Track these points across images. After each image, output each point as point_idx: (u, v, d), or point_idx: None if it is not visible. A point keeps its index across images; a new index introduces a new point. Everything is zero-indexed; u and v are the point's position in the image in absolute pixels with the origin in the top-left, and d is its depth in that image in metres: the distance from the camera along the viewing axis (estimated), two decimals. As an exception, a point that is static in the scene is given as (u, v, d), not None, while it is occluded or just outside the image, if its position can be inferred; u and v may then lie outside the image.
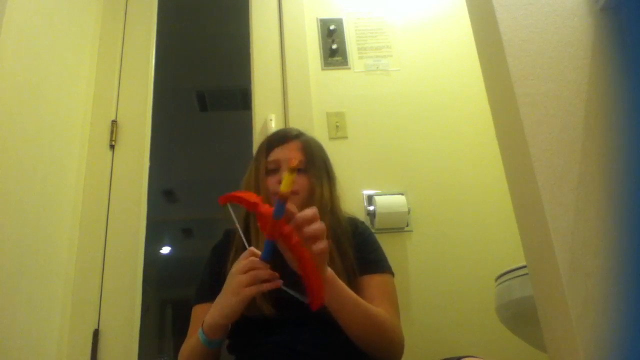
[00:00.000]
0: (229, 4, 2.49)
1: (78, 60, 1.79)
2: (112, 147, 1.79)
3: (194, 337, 0.94)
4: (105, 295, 1.61)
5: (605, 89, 0.93)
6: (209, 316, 0.89)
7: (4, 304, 1.26)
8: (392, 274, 1.09)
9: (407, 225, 1.70)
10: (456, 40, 1.97)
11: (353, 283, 1.01)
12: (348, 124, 1.83)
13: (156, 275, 3.61)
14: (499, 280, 1.35)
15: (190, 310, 1.09)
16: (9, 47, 1.34)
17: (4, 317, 1.26)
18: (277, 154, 1.12)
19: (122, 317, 1.59)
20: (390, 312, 0.99)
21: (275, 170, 1.11)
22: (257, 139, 1.79)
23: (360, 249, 1.08)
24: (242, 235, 0.88)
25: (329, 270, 0.87)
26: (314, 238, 0.75)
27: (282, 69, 1.92)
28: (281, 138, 1.16)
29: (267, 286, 0.80)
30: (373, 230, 1.41)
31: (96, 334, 1.55)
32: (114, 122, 1.82)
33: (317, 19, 2.00)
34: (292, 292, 0.81)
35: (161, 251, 4.44)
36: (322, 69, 1.92)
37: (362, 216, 1.65)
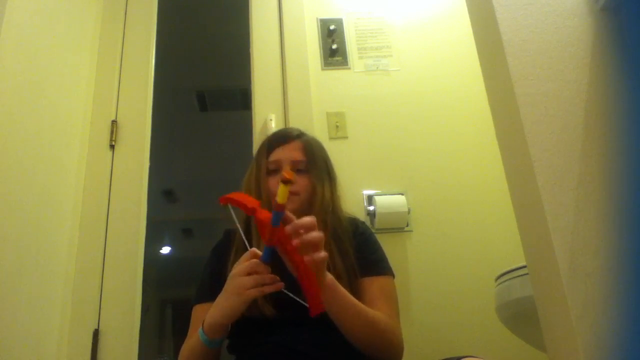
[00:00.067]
0: (229, 4, 2.49)
1: (78, 60, 1.79)
2: (112, 147, 1.79)
3: (194, 337, 0.94)
4: (105, 295, 1.61)
5: (605, 89, 0.93)
6: (209, 316, 0.89)
7: (4, 304, 1.26)
8: (393, 275, 1.09)
9: (407, 225, 1.70)
10: (456, 40, 1.97)
11: (354, 284, 1.01)
12: (348, 124, 1.83)
13: (156, 275, 3.60)
14: (499, 280, 1.35)
15: (190, 310, 1.09)
16: (9, 47, 1.34)
17: (4, 317, 1.26)
18: (278, 154, 1.12)
19: (122, 317, 1.59)
20: (391, 315, 1.00)
21: (276, 170, 1.11)
22: (257, 139, 1.79)
23: (361, 249, 1.08)
24: (243, 236, 0.88)
25: (329, 276, 0.87)
26: (311, 246, 0.76)
27: (282, 69, 1.92)
28: (282, 138, 1.16)
29: (269, 289, 0.80)
30: (373, 230, 1.41)
31: (96, 334, 1.55)
32: (114, 122, 1.82)
33: (317, 19, 2.00)
34: (293, 296, 0.82)
35: (161, 251, 4.44)
36: (322, 69, 1.92)
37: (362, 216, 1.65)
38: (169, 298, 4.32)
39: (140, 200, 1.74)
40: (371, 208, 1.69)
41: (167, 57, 2.21)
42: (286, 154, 1.11)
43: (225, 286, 0.85)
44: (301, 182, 1.08)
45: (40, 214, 1.47)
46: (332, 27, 1.97)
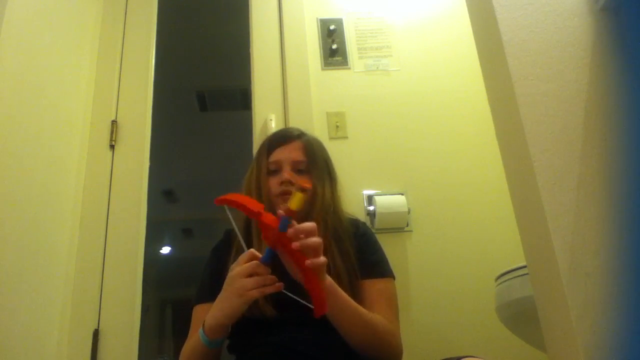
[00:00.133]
0: (229, 4, 2.49)
1: (78, 60, 1.79)
2: (112, 147, 1.79)
3: (195, 338, 0.94)
4: (105, 295, 1.61)
5: (605, 89, 0.93)
6: (209, 317, 0.89)
7: (4, 304, 1.26)
8: (394, 277, 1.09)
9: (407, 225, 1.70)
10: (456, 40, 1.97)
11: (354, 284, 1.01)
12: (348, 124, 1.83)
13: (156, 275, 3.61)
14: (499, 280, 1.35)
15: (190, 310, 1.09)
16: (9, 47, 1.34)
17: (4, 317, 1.26)
18: (278, 154, 1.12)
19: (122, 317, 1.59)
20: (390, 318, 1.00)
21: (276, 171, 1.11)
22: (257, 139, 1.79)
23: (362, 250, 1.08)
24: (240, 238, 0.88)
25: (328, 279, 0.88)
26: (311, 251, 0.77)
27: (282, 69, 1.92)
28: (282, 138, 1.16)
29: (270, 289, 0.81)
30: (373, 230, 1.41)
31: (96, 334, 1.55)
32: (114, 122, 1.82)
33: (317, 19, 2.00)
34: (295, 297, 0.83)
35: (161, 251, 4.44)
36: (322, 69, 1.92)
37: (362, 216, 1.65)
38: (169, 298, 4.32)
39: (140, 200, 1.74)
40: (371, 208, 1.69)
41: (167, 57, 2.21)
42: (286, 154, 1.11)
43: (225, 287, 0.84)
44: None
45: (40, 214, 1.47)
46: (332, 27, 1.97)
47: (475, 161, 1.80)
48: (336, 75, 1.91)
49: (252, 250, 0.83)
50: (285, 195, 1.06)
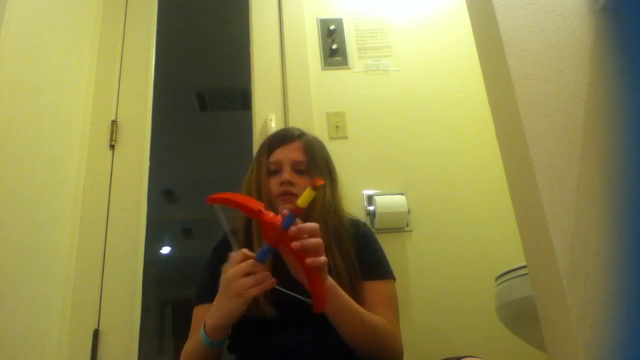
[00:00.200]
0: (229, 4, 2.49)
1: (78, 60, 1.79)
2: (112, 147, 1.79)
3: (196, 338, 0.94)
4: (105, 295, 1.61)
5: (605, 89, 0.93)
6: (210, 318, 0.89)
7: (4, 304, 1.26)
8: (394, 278, 1.09)
9: (407, 225, 1.70)
10: (456, 40, 1.97)
11: (355, 285, 1.01)
12: (348, 124, 1.83)
13: (156, 275, 3.61)
14: (499, 280, 1.35)
15: (190, 310, 1.09)
16: (9, 47, 1.34)
17: (4, 317, 1.26)
18: (279, 154, 1.12)
19: (122, 317, 1.59)
20: (391, 319, 1.00)
21: (276, 171, 1.10)
22: (257, 139, 1.79)
23: (362, 251, 1.08)
24: (231, 238, 0.88)
25: (329, 280, 0.88)
26: (312, 251, 0.77)
27: (282, 69, 1.92)
28: (282, 138, 1.15)
29: (267, 285, 0.81)
30: (373, 230, 1.41)
31: (96, 334, 1.55)
32: (114, 122, 1.82)
33: (317, 19, 2.00)
34: (292, 294, 0.83)
35: (161, 251, 4.44)
36: (322, 69, 1.92)
37: (362, 216, 1.65)
38: (169, 298, 4.32)
39: (140, 200, 1.74)
40: (371, 208, 1.69)
41: (167, 57, 2.21)
42: (287, 154, 1.11)
43: (223, 288, 0.83)
44: (302, 183, 1.08)
45: (40, 214, 1.47)
46: (332, 27, 1.97)
47: (475, 161, 1.80)
48: (336, 75, 1.91)
49: (244, 250, 0.83)
50: (286, 195, 1.06)
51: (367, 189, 1.74)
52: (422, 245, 1.69)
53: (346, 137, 1.82)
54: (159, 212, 3.65)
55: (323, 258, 0.79)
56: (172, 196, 3.86)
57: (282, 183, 1.07)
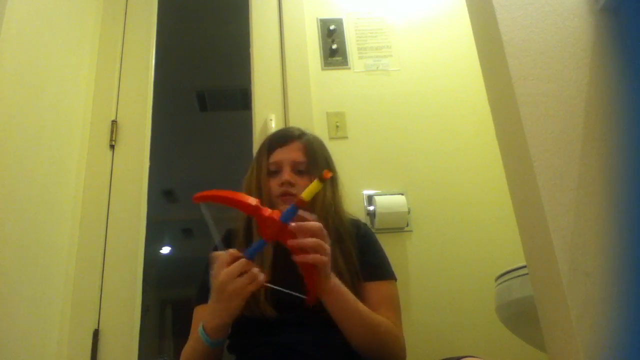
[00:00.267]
0: (229, 4, 2.49)
1: (78, 60, 1.79)
2: (112, 147, 1.79)
3: (195, 338, 0.94)
4: (105, 295, 1.61)
5: (605, 89, 0.93)
6: (210, 318, 0.89)
7: (4, 304, 1.26)
8: (395, 279, 1.09)
9: (407, 225, 1.70)
10: (456, 40, 1.97)
11: (356, 285, 1.01)
12: (348, 124, 1.83)
13: (156, 275, 3.61)
14: (499, 280, 1.35)
15: (190, 310, 1.09)
16: (9, 47, 1.34)
17: (4, 317, 1.26)
18: (279, 155, 1.11)
19: (122, 317, 1.59)
20: (394, 320, 1.00)
21: (276, 172, 1.10)
22: (257, 139, 1.79)
23: (364, 252, 1.08)
24: (215, 237, 0.88)
25: (334, 280, 0.88)
26: (310, 250, 0.78)
27: (282, 69, 1.92)
28: (282, 138, 1.15)
29: (261, 281, 0.82)
30: (373, 231, 1.41)
31: (96, 334, 1.55)
32: (114, 122, 1.82)
33: (317, 19, 1.99)
34: (284, 290, 0.86)
35: (161, 251, 4.44)
36: (322, 69, 1.92)
37: (362, 216, 1.65)
38: (169, 298, 4.32)
39: (140, 200, 1.74)
40: (371, 208, 1.69)
41: (167, 57, 2.21)
42: (286, 155, 1.11)
43: (219, 291, 0.83)
44: (302, 184, 1.08)
45: (40, 214, 1.47)
46: (332, 27, 1.97)
47: (475, 161, 1.80)
48: (336, 75, 1.91)
49: (231, 250, 0.83)
50: (286, 196, 1.06)
51: (367, 189, 1.74)
52: (422, 245, 1.69)
53: (346, 137, 1.82)
54: (159, 212, 3.65)
55: (321, 258, 0.79)
56: (172, 196, 3.86)
57: (282, 184, 1.07)
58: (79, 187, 1.70)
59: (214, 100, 3.29)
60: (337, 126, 1.82)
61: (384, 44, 1.98)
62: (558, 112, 0.92)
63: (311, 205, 1.04)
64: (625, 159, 0.88)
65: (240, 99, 3.12)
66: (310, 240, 0.78)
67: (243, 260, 0.81)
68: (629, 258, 0.82)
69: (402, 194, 1.71)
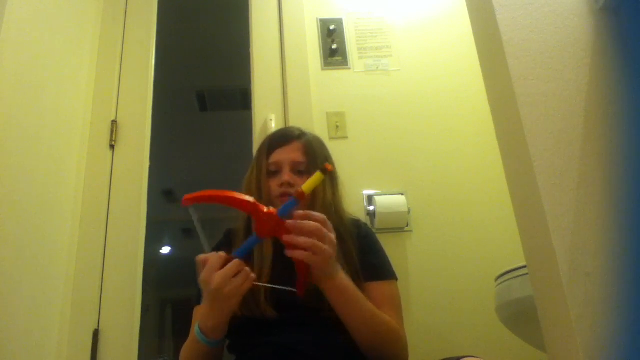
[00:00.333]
0: (229, 4, 2.49)
1: (78, 60, 1.79)
2: (112, 147, 1.79)
3: (193, 339, 0.94)
4: (105, 295, 1.61)
5: (605, 89, 0.93)
6: (206, 319, 0.89)
7: (4, 304, 1.26)
8: (396, 279, 1.09)
9: (407, 225, 1.70)
10: (456, 40, 1.97)
11: (357, 285, 1.01)
12: (348, 124, 1.83)
13: (156, 275, 3.61)
14: (499, 280, 1.35)
15: (190, 310, 1.09)
16: (9, 47, 1.34)
17: (4, 317, 1.26)
18: (278, 155, 1.11)
19: (122, 317, 1.59)
20: (396, 320, 1.00)
21: (276, 172, 1.10)
22: (257, 139, 1.79)
23: (365, 252, 1.07)
24: (202, 237, 0.88)
25: (340, 278, 0.88)
26: (304, 249, 0.79)
27: (282, 69, 1.92)
28: (282, 138, 1.15)
29: (252, 278, 0.83)
30: (373, 231, 1.41)
31: (96, 334, 1.55)
32: (114, 122, 1.82)
33: (317, 19, 1.99)
34: (274, 286, 0.89)
35: (161, 251, 4.44)
36: (322, 69, 1.92)
37: (362, 216, 1.65)
38: (169, 298, 4.32)
39: (140, 200, 1.74)
40: (371, 208, 1.69)
41: (167, 57, 2.21)
42: (286, 155, 1.11)
43: (215, 293, 0.82)
44: (301, 184, 1.07)
45: (40, 214, 1.47)
46: (332, 27, 1.97)
47: (475, 161, 1.80)
48: (336, 75, 1.91)
49: (221, 253, 0.83)
50: (285, 197, 1.06)
51: (367, 189, 1.74)
52: (422, 245, 1.69)
53: (346, 137, 1.82)
54: (159, 212, 3.65)
55: (313, 257, 0.80)
56: (172, 196, 3.86)
57: (281, 184, 1.07)
58: (79, 187, 1.70)
59: (214, 100, 3.29)
60: (337, 126, 1.82)
61: (384, 44, 1.98)
62: (558, 112, 0.92)
63: (311, 205, 1.05)
64: (625, 159, 0.88)
65: (240, 99, 3.12)
66: (302, 239, 0.79)
67: (237, 261, 0.82)
68: (629, 258, 0.82)
69: (402, 194, 1.71)
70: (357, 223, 1.15)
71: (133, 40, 1.96)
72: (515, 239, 1.06)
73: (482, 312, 1.56)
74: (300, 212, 0.81)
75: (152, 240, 2.54)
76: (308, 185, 0.75)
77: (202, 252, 0.87)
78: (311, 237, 0.79)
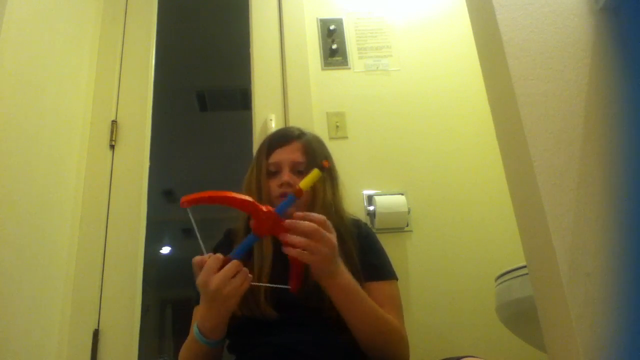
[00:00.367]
0: (229, 4, 2.49)
1: (78, 60, 1.79)
2: (112, 147, 1.79)
3: (192, 339, 0.94)
4: (105, 295, 1.61)
5: (605, 89, 0.93)
6: (205, 320, 0.89)
7: (4, 304, 1.26)
8: (397, 278, 1.09)
9: (407, 225, 1.70)
10: (456, 40, 1.97)
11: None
12: (348, 124, 1.83)
13: (156, 275, 3.61)
14: (499, 280, 1.35)
15: (190, 310, 1.09)
16: (9, 47, 1.34)
17: (4, 317, 1.26)
18: (278, 155, 1.11)
19: (122, 317, 1.59)
20: (397, 320, 1.00)
21: (276, 172, 1.10)
22: (257, 139, 1.79)
23: (365, 252, 1.07)
24: (199, 239, 0.88)
25: (342, 276, 0.88)
26: (302, 247, 0.80)
27: (282, 69, 1.92)
28: (282, 138, 1.15)
29: (250, 277, 0.84)
30: (374, 231, 1.41)
31: (96, 334, 1.55)
32: (114, 122, 1.82)
33: (317, 19, 1.99)
34: (270, 285, 0.90)
35: (161, 251, 4.44)
36: (322, 69, 1.92)
37: (362, 216, 1.65)
38: (169, 298, 4.32)
39: (140, 200, 1.74)
40: (371, 208, 1.69)
41: (167, 57, 2.21)
42: (286, 155, 1.10)
43: (214, 294, 0.82)
44: (301, 183, 1.08)
45: (40, 214, 1.47)
46: (332, 27, 1.97)
47: (475, 161, 1.80)
48: (336, 75, 1.91)
49: (218, 255, 0.83)
50: (285, 197, 1.06)
51: (367, 189, 1.74)
52: (422, 245, 1.69)
53: (346, 137, 1.82)
54: (159, 212, 3.65)
55: (309, 256, 0.80)
56: (172, 196, 3.86)
57: (281, 185, 1.07)
58: (79, 187, 1.70)
59: (214, 100, 3.29)
60: (337, 126, 1.82)
61: (384, 44, 1.98)
62: (558, 112, 0.92)
63: (311, 206, 1.05)
64: (625, 159, 0.88)
65: (240, 99, 3.12)
66: (297, 239, 0.79)
67: (235, 261, 0.82)
68: (629, 258, 0.82)
69: (402, 194, 1.71)
70: (357, 223, 1.15)
71: (133, 40, 1.96)
72: (515, 239, 1.06)
73: (482, 312, 1.56)
74: (300, 213, 0.81)
75: (152, 240, 2.54)
76: (305, 182, 0.75)
77: (200, 253, 0.86)
78: (308, 238, 0.79)
